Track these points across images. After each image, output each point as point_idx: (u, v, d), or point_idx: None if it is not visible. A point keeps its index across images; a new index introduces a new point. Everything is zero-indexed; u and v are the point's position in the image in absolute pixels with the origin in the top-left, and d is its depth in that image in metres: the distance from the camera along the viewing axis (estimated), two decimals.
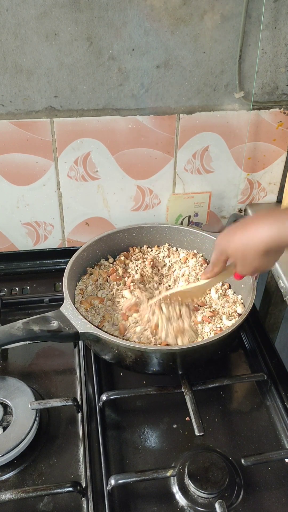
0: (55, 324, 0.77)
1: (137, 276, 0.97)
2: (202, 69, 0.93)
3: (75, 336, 0.78)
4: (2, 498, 0.67)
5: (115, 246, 1.03)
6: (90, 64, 0.89)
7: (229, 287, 0.97)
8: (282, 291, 0.96)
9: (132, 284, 0.94)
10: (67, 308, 0.81)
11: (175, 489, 0.71)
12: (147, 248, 1.05)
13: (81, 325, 0.78)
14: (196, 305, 0.92)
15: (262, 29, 0.90)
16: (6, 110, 0.92)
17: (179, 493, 0.70)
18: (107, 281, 0.97)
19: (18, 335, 0.75)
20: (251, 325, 0.97)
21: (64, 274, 0.89)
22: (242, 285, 0.93)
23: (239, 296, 0.94)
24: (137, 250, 1.04)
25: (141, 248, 1.05)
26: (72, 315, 0.80)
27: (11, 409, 0.79)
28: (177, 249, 1.05)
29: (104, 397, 0.79)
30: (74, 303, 0.85)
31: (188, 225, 1.13)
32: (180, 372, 0.82)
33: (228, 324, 0.87)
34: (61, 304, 0.81)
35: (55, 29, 0.85)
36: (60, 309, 0.81)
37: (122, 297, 0.93)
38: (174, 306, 0.83)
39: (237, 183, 1.10)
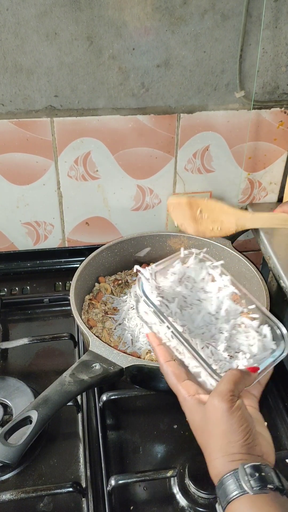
0: (97, 366, 0.72)
1: None
2: (202, 68, 0.93)
3: (121, 373, 0.73)
4: (2, 498, 0.67)
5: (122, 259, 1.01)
6: (90, 63, 0.89)
7: None
8: (286, 291, 0.95)
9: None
10: (97, 346, 0.75)
11: (176, 489, 0.71)
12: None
13: (122, 359, 0.73)
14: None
15: (262, 29, 0.89)
16: (6, 109, 0.92)
17: (180, 494, 0.70)
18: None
19: (73, 390, 0.68)
20: None
21: (70, 301, 0.83)
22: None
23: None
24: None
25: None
26: (107, 352, 0.75)
27: (11, 409, 0.78)
28: None
29: (104, 397, 0.79)
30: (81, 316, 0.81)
31: None
32: None
33: None
34: (61, 305, 0.80)
35: (55, 28, 0.85)
36: (90, 349, 0.76)
37: None
38: None
39: (237, 182, 1.09)
